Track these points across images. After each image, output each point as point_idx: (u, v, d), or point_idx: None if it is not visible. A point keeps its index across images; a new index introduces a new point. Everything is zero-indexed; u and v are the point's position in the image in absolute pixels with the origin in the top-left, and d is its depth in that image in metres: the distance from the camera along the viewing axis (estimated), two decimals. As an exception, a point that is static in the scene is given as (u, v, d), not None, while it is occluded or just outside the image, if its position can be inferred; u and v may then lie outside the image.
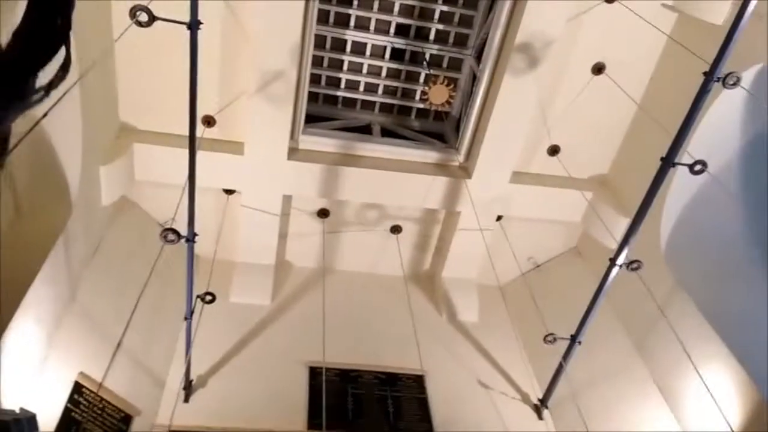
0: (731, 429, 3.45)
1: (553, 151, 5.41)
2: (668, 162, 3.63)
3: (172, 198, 3.85)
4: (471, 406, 5.01)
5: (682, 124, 3.57)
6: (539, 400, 5.06)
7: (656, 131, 4.27)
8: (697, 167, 3.52)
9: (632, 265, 3.88)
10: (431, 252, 6.23)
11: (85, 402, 3.82)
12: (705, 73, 3.36)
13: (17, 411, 3.20)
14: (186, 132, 3.35)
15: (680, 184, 4.53)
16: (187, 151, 3.44)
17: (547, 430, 4.71)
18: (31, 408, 3.27)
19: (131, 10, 2.71)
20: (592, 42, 4.87)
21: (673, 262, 4.62)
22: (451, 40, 5.39)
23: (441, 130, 5.78)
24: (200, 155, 3.51)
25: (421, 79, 5.56)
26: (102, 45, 4.20)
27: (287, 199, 5.49)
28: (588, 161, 5.54)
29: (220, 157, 4.95)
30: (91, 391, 3.87)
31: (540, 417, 5.00)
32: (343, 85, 5.59)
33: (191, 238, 3.65)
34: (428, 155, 5.42)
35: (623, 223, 5.00)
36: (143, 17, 2.74)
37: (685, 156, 3.66)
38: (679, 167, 3.62)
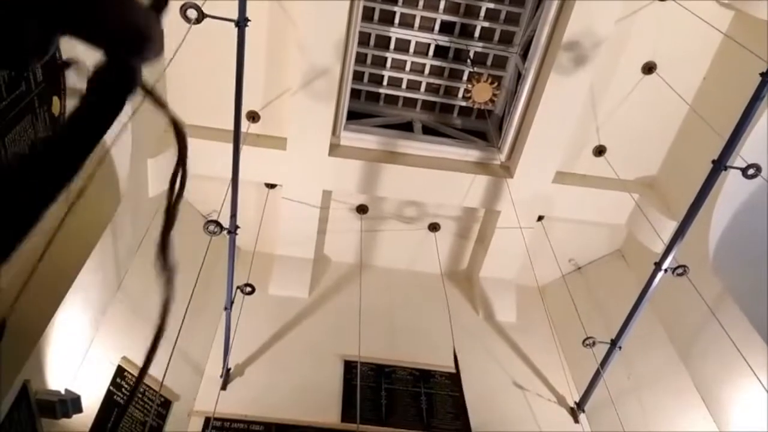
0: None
1: (599, 151, 5.29)
2: (720, 165, 3.51)
3: (215, 191, 3.95)
4: (505, 405, 4.97)
5: (736, 126, 3.44)
6: (576, 403, 4.98)
7: (708, 133, 4.13)
8: (751, 171, 3.39)
9: (678, 270, 3.77)
10: (469, 251, 6.19)
11: (127, 386, 3.95)
12: (762, 74, 3.23)
13: (62, 392, 3.34)
14: (231, 127, 3.42)
15: (731, 189, 4.37)
16: (231, 146, 3.50)
17: (584, 435, 4.64)
18: (75, 390, 3.41)
19: (181, 7, 2.77)
20: (642, 40, 4.73)
21: (721, 269, 4.46)
22: (496, 37, 5.32)
23: (483, 128, 5.72)
24: (244, 150, 3.58)
25: (465, 76, 5.51)
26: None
27: (327, 195, 5.54)
28: (635, 162, 5.39)
29: (263, 152, 5.03)
30: (134, 376, 4.00)
31: (576, 420, 4.92)
32: (385, 82, 5.59)
33: (233, 230, 3.73)
34: (470, 153, 5.38)
35: (670, 227, 4.86)
36: (192, 14, 2.81)
37: (738, 159, 3.54)
38: (731, 171, 3.50)
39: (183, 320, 3.36)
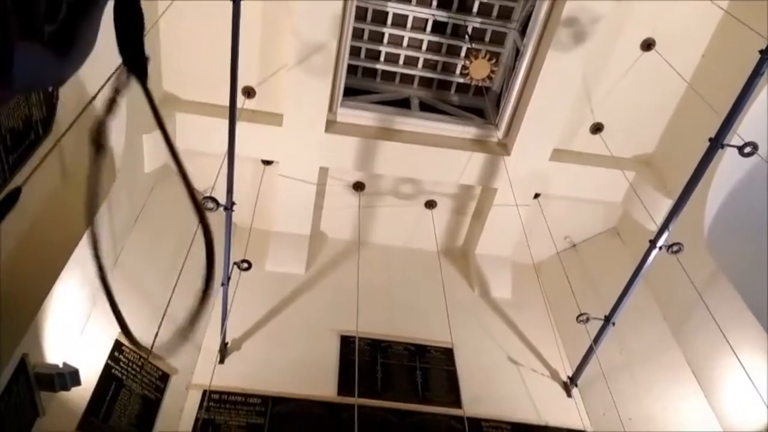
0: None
1: (596, 129, 5.28)
2: (716, 143, 3.52)
3: (212, 167, 3.94)
4: (499, 380, 5.04)
5: (734, 104, 3.44)
6: (569, 378, 5.05)
7: (705, 111, 4.12)
8: (747, 149, 3.39)
9: (673, 247, 3.80)
10: (466, 228, 6.20)
11: (124, 360, 3.99)
12: (761, 51, 3.21)
13: (61, 366, 3.37)
14: (227, 103, 3.40)
15: (728, 167, 4.38)
16: (227, 122, 3.49)
17: (576, 407, 4.70)
18: (74, 364, 3.44)
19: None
20: (642, 17, 4.69)
21: (715, 247, 4.49)
22: (494, 13, 5.26)
23: (481, 105, 5.69)
24: (240, 126, 3.56)
25: (463, 53, 5.47)
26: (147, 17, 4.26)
27: (324, 171, 5.53)
28: (632, 140, 5.39)
29: (259, 128, 5.01)
30: (131, 350, 4.03)
31: (569, 395, 5.00)
32: (382, 58, 5.54)
33: (229, 207, 3.73)
34: (467, 131, 5.36)
35: (666, 205, 4.87)
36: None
37: (735, 138, 3.54)
38: (728, 149, 3.50)
39: (172, 293, 3.36)
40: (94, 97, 2.57)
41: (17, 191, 1.45)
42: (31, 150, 3.16)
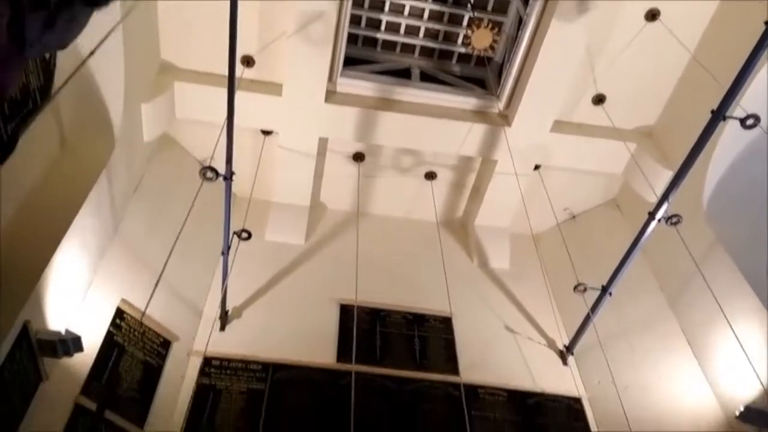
0: (762, 384, 3.43)
1: (599, 100, 5.23)
2: (719, 115, 3.49)
3: (211, 137, 3.92)
4: (496, 348, 5.11)
5: (737, 76, 3.41)
6: (565, 346, 5.12)
7: (708, 83, 4.08)
8: (750, 122, 3.38)
9: (671, 219, 3.81)
10: (465, 199, 6.21)
11: (126, 327, 4.04)
12: (766, 23, 3.16)
13: (63, 332, 3.42)
14: (226, 72, 3.37)
15: (729, 140, 4.36)
16: (226, 91, 3.46)
17: (572, 375, 4.78)
18: (76, 331, 3.49)
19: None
20: (647, -15, 4.61)
21: (714, 219, 4.50)
22: (497, -20, 5.18)
23: (482, 75, 5.63)
24: (239, 95, 3.53)
25: (465, 21, 5.39)
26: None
27: (323, 142, 5.51)
28: (634, 112, 5.35)
29: (258, 97, 4.97)
30: (132, 317, 4.09)
31: (565, 363, 5.08)
32: (383, 26, 5.47)
33: (229, 177, 3.73)
34: (468, 101, 5.32)
35: (666, 177, 4.87)
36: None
37: (738, 110, 3.51)
38: (730, 121, 3.48)
39: (167, 259, 3.37)
40: (86, 59, 2.55)
41: (15, 138, 1.46)
42: (29, 118, 3.15)
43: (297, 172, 5.55)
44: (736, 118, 3.43)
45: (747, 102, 3.73)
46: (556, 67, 4.84)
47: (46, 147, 3.69)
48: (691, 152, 3.74)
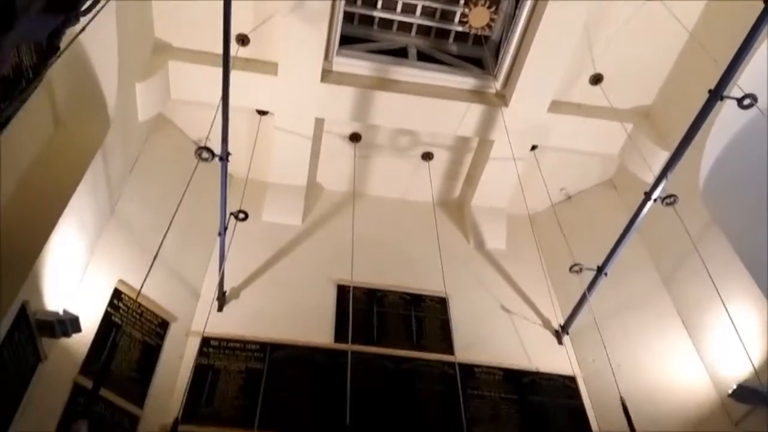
0: (753, 365, 3.48)
1: (596, 80, 5.20)
2: (716, 95, 3.48)
3: (206, 117, 3.89)
4: (492, 328, 5.15)
5: (735, 56, 3.39)
6: (560, 326, 5.16)
7: (706, 63, 4.07)
8: (747, 101, 3.37)
9: (667, 199, 3.82)
10: (462, 180, 6.20)
11: (124, 307, 4.06)
12: (766, 2, 3.14)
13: (61, 313, 3.43)
14: (220, 50, 3.33)
15: (726, 119, 4.35)
16: (221, 70, 3.43)
17: (566, 354, 4.83)
18: (74, 311, 3.50)
19: None
20: (645, -37, 4.57)
21: (710, 199, 4.52)
22: (494, -43, 5.11)
23: (479, 55, 5.60)
24: (234, 75, 3.51)
25: (462, 0, 5.34)
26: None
27: (319, 122, 5.48)
28: (632, 92, 5.32)
29: (253, 77, 4.93)
30: (130, 297, 4.10)
31: (560, 342, 5.12)
32: (380, 5, 5.41)
33: (225, 157, 3.71)
34: (465, 81, 5.29)
35: (662, 157, 4.87)
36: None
37: (735, 89, 3.50)
38: (727, 101, 3.48)
39: (163, 240, 3.37)
40: (77, 35, 2.52)
41: (7, 118, 1.45)
42: (21, 97, 3.11)
43: (293, 152, 5.53)
44: (733, 98, 3.42)
45: (744, 82, 3.72)
46: (553, 46, 4.81)
47: (41, 127, 3.66)
48: (688, 132, 3.74)
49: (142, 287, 3.18)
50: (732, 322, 3.60)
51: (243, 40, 4.83)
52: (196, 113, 5.15)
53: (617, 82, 5.18)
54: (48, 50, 1.35)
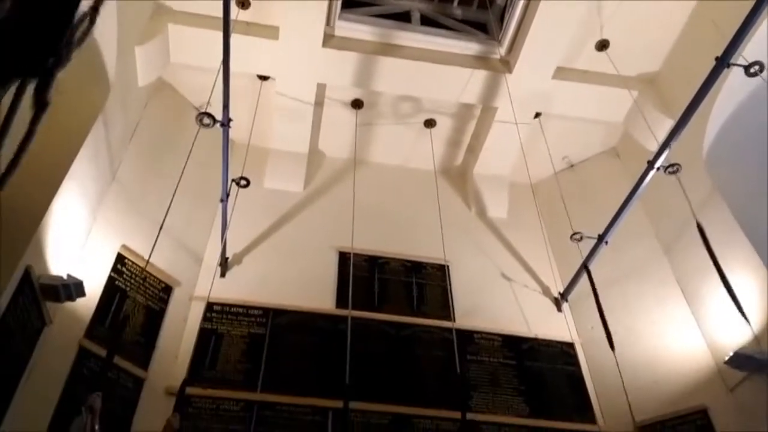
0: (753, 330, 3.49)
1: (602, 45, 5.11)
2: (723, 62, 3.44)
3: (207, 82, 3.86)
4: (492, 296, 5.20)
5: (743, 23, 3.34)
6: (560, 293, 5.20)
7: (714, 29, 3.99)
8: (753, 69, 3.34)
9: (670, 168, 3.80)
10: (464, 147, 6.17)
11: (127, 272, 4.09)
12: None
13: (65, 277, 3.46)
14: (220, 13, 3.28)
15: (732, 87, 4.29)
16: (221, 34, 3.38)
17: (565, 321, 4.88)
18: (78, 276, 3.53)
19: None
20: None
21: (713, 168, 4.49)
22: None
23: (484, 19, 5.51)
24: (234, 38, 3.46)
25: (466, -39, 5.23)
26: None
27: (321, 88, 5.43)
28: (638, 58, 5.24)
29: (254, 41, 4.86)
30: (134, 263, 4.13)
31: (559, 309, 5.17)
32: (382, -34, 5.31)
33: (226, 123, 3.69)
34: (469, 47, 5.21)
35: (667, 125, 4.82)
36: None
37: (742, 57, 3.45)
38: (734, 69, 3.43)
39: (169, 205, 3.39)
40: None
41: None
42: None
43: (295, 118, 5.49)
44: (740, 66, 3.39)
45: (751, 50, 3.67)
46: (559, 11, 4.72)
47: (40, 92, 3.62)
48: (693, 100, 3.70)
49: (150, 256, 3.21)
50: (730, 290, 3.59)
51: (243, 2, 4.74)
52: (196, 78, 5.10)
53: (623, 49, 5.10)
54: (37, 106, 1.21)
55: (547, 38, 4.89)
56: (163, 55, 4.86)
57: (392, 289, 5.07)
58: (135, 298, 4.07)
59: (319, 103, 5.56)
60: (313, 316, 4.69)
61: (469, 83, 5.19)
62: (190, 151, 3.70)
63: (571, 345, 4.93)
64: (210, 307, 4.51)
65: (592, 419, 4.52)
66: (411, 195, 5.86)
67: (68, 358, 3.47)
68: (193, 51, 4.89)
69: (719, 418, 3.87)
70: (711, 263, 3.70)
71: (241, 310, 4.61)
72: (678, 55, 5.12)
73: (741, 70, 3.42)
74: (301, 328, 4.61)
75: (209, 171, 4.97)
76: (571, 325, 4.99)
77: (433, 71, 5.13)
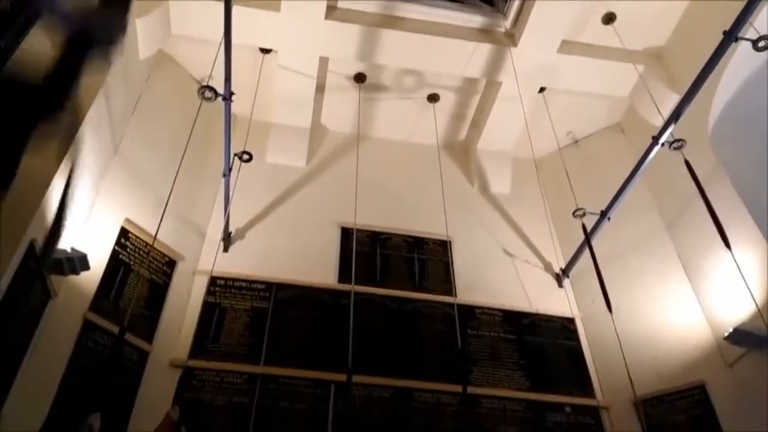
0: (756, 304, 3.48)
1: (609, 19, 5.04)
2: (731, 36, 3.40)
3: (208, 54, 3.82)
4: (493, 271, 5.22)
5: (752, -4, 3.28)
6: (561, 269, 5.22)
7: (721, 3, 3.93)
8: (762, 43, 3.31)
9: (675, 143, 3.77)
10: (468, 122, 6.13)
11: (131, 246, 4.11)
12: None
13: (69, 251, 3.47)
14: (221, -17, 3.23)
15: (738, 63, 4.24)
16: (222, 4, 3.34)
17: (566, 297, 4.90)
18: (82, 250, 3.55)
19: None
20: None
21: (718, 144, 4.46)
22: None
23: (489, -9, 5.41)
24: (236, 10, 3.42)
25: (471, -68, 5.12)
26: None
27: (324, 61, 5.37)
28: (644, 31, 5.17)
29: (256, 13, 4.80)
30: (137, 236, 4.15)
31: (560, 285, 5.19)
32: (386, -64, 5.20)
33: (228, 97, 3.66)
34: (473, 19, 5.14)
35: (673, 101, 4.77)
36: None
37: (750, 31, 3.40)
38: (741, 43, 3.38)
39: (174, 181, 3.39)
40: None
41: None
42: (23, 32, 3.05)
43: (297, 92, 5.45)
44: (748, 40, 3.35)
45: (759, 25, 3.61)
46: (566, -17, 4.64)
47: (42, 67, 3.59)
48: (699, 74, 3.67)
49: (157, 233, 3.21)
50: (737, 265, 3.59)
51: (245, -26, 4.68)
52: (198, 50, 5.04)
53: (630, 22, 5.02)
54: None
55: (553, 11, 4.82)
56: (164, 26, 4.81)
57: (394, 264, 5.09)
58: (139, 271, 4.09)
59: (321, 77, 5.51)
60: (315, 291, 4.72)
61: (473, 57, 5.14)
62: (193, 125, 3.68)
63: (571, 320, 4.96)
64: (213, 281, 4.53)
65: (591, 393, 4.58)
66: (414, 170, 5.84)
67: (73, 331, 3.50)
68: (194, 23, 4.84)
69: (717, 394, 3.92)
70: (714, 239, 3.68)
71: (244, 284, 4.64)
72: (685, 29, 5.05)
73: (748, 44, 3.38)
74: (304, 302, 4.64)
75: (211, 145, 4.97)
76: (572, 301, 5.02)
77: (436, 44, 5.08)
